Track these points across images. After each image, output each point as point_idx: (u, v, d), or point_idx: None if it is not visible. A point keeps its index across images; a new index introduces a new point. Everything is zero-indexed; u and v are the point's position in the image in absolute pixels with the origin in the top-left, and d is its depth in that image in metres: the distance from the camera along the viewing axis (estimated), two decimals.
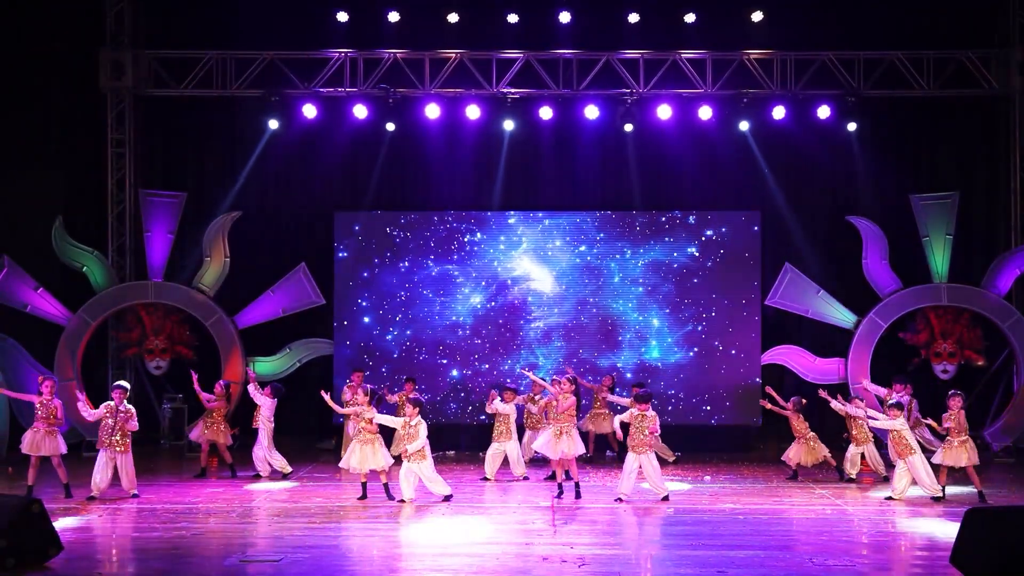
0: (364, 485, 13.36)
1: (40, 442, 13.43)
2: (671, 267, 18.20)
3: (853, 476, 15.06)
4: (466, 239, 18.36)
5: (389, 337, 18.27)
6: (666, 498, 13.21)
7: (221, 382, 15.96)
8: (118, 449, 13.39)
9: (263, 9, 18.98)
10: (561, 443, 13.64)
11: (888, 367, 18.00)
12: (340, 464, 13.76)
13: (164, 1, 19.20)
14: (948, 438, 13.70)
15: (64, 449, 13.68)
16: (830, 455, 15.24)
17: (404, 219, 18.45)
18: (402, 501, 13.02)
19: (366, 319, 18.27)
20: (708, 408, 18.02)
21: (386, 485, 13.34)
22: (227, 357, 18.08)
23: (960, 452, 13.53)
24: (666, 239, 18.22)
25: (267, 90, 18.42)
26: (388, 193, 19.55)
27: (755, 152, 19.08)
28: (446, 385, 18.15)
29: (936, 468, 13.67)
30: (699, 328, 18.13)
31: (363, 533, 11.47)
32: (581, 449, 14.05)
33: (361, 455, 13.23)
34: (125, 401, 13.59)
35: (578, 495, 13.51)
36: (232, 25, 19.03)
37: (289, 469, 15.31)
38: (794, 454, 15.23)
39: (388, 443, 14.06)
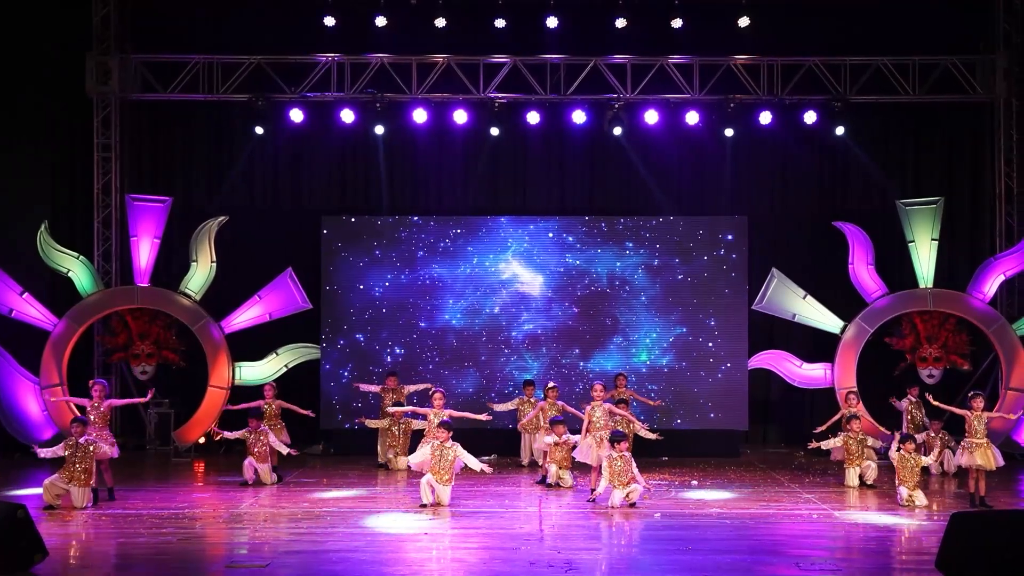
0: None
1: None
2: (658, 271, 18.22)
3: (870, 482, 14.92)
4: (454, 243, 18.35)
5: (376, 342, 18.24)
6: (592, 501, 13.25)
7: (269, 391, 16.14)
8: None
9: (250, 13, 18.97)
10: (602, 450, 13.74)
11: (874, 372, 18.08)
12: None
13: (150, 5, 19.14)
14: (970, 439, 13.43)
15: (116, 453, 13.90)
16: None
17: (391, 223, 18.44)
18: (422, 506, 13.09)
19: (353, 323, 18.24)
20: (695, 412, 18.04)
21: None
22: (214, 362, 18.03)
23: (988, 453, 13.35)
24: (653, 243, 18.25)
25: (254, 94, 18.39)
26: (375, 198, 19.51)
27: (742, 157, 19.16)
28: (435, 388, 18.09)
29: (964, 472, 13.68)
30: (686, 333, 18.15)
31: (350, 537, 11.43)
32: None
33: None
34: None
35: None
36: (219, 29, 19.01)
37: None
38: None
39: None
